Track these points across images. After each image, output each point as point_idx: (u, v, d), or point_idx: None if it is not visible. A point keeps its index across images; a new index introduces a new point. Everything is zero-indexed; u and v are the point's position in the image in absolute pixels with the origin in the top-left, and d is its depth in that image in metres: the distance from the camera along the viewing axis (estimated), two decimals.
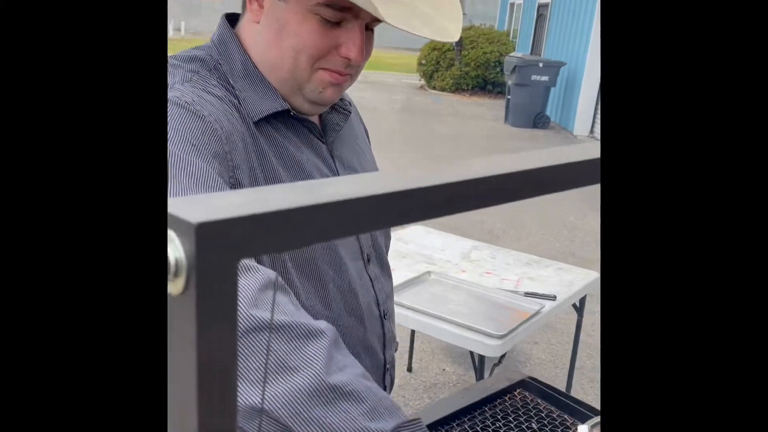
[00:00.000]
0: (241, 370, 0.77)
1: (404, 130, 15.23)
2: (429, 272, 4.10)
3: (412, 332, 5.19)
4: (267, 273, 0.90)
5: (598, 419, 1.53)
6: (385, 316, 1.61)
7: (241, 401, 0.78)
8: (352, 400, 0.74)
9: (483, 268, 4.41)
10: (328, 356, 0.77)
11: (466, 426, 1.83)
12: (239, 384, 0.81)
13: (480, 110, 18.28)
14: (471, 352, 4.02)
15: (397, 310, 3.74)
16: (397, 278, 4.07)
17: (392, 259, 4.53)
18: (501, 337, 3.43)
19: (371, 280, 1.53)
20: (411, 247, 4.67)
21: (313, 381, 0.75)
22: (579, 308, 4.72)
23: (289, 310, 0.82)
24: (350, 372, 0.79)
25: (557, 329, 6.08)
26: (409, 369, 5.30)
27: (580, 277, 4.46)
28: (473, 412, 1.88)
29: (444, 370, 5.36)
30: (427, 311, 3.64)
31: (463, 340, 3.50)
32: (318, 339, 0.80)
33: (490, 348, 3.42)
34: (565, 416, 1.86)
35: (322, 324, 0.84)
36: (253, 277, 0.86)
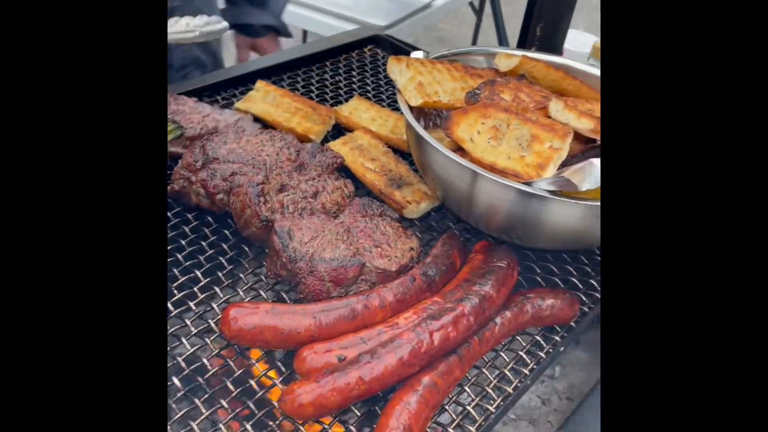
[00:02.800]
0: None
1: None
2: None
3: (304, 32, 4.78)
4: None
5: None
6: None
7: None
8: None
9: None
10: None
11: (299, 79, 1.58)
12: None
13: None
14: None
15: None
16: None
17: None
18: (384, 28, 3.11)
19: None
20: None
21: None
22: (478, 10, 4.40)
23: None
24: None
25: (453, 45, 5.82)
26: None
27: None
28: (310, 66, 1.63)
29: None
30: (310, 3, 3.25)
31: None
32: None
33: None
34: None
35: None
36: None
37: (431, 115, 1.27)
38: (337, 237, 1.03)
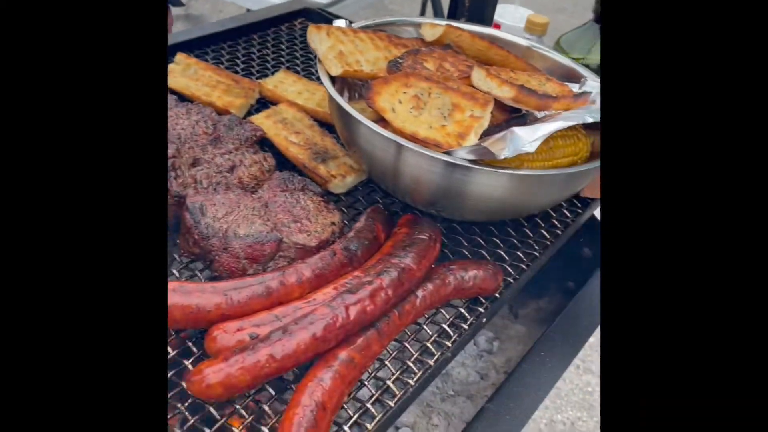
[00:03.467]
0: None
1: None
2: None
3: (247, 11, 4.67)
4: None
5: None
6: None
7: None
8: None
9: None
10: None
11: (224, 52, 1.52)
12: None
13: None
14: None
15: None
16: None
17: None
18: (327, 5, 3.04)
19: None
20: None
21: None
22: None
23: None
24: None
25: None
26: None
27: None
28: (237, 39, 1.57)
29: None
30: None
31: None
32: None
33: None
34: None
35: None
36: None
37: (356, 86, 1.23)
38: (253, 212, 0.99)
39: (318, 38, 1.12)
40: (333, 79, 1.11)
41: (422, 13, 5.09)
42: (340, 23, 1.18)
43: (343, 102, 1.04)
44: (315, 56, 1.57)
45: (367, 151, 1.06)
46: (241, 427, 0.80)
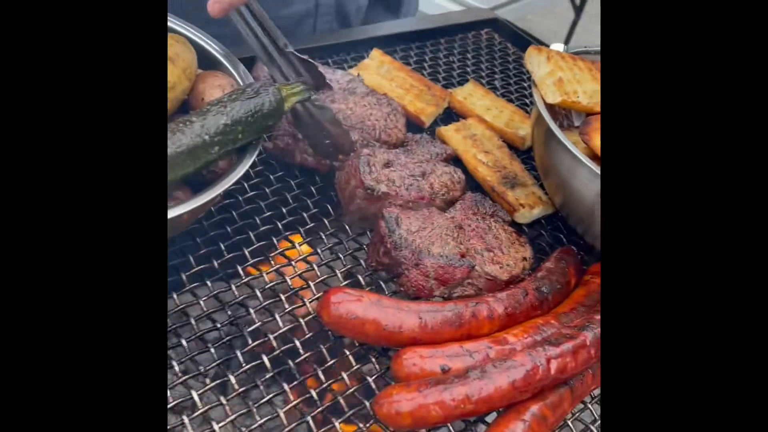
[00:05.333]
0: None
1: None
2: None
3: None
4: None
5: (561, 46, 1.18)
6: None
7: None
8: None
9: None
10: None
11: (412, 53, 1.49)
12: None
13: None
14: None
15: None
16: None
17: None
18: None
19: None
20: None
21: None
22: (579, 6, 4.20)
23: None
24: None
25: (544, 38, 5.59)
26: None
27: None
28: (425, 41, 1.53)
29: None
30: None
31: None
32: None
33: None
34: None
35: None
36: None
37: (560, 114, 1.16)
38: (446, 232, 0.95)
39: (537, 61, 1.06)
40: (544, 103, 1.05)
41: (569, 34, 4.91)
42: (558, 47, 1.11)
43: (557, 129, 0.97)
44: (501, 70, 1.51)
45: (569, 184, 1.00)
46: None
